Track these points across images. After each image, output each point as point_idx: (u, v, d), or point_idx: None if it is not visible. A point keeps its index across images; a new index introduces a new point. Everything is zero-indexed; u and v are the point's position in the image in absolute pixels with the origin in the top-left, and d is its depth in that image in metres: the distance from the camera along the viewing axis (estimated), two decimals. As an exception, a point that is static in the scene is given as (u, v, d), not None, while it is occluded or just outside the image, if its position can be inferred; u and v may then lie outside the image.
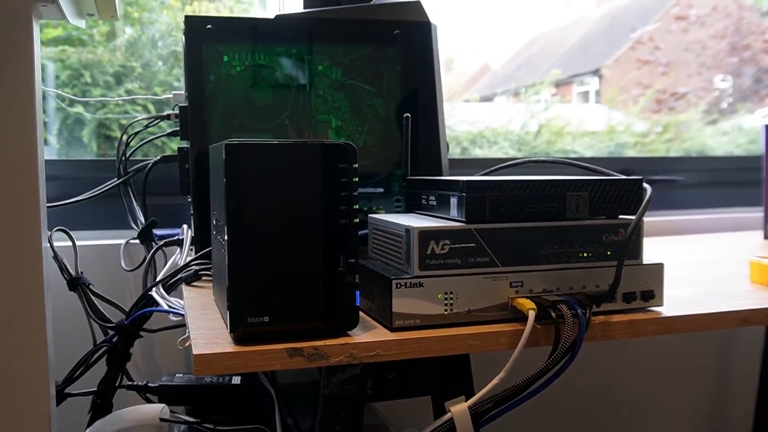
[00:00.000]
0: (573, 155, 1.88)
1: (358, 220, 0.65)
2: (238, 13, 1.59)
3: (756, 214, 1.60)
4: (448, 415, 0.66)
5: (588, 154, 1.89)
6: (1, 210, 0.78)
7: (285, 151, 0.63)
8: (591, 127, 2.02)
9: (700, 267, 1.05)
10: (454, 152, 1.77)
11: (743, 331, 1.62)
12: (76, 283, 0.99)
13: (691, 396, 1.60)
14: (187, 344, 0.68)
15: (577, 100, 2.43)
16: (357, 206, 0.65)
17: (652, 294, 0.73)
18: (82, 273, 1.01)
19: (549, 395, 1.48)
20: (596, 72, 2.44)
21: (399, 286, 0.66)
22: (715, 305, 0.76)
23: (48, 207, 0.90)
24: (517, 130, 1.92)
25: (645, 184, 0.73)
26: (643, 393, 1.56)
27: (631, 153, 1.91)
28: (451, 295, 0.68)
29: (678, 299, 0.79)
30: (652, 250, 1.23)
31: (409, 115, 0.86)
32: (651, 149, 1.96)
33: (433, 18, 1.02)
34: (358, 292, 0.65)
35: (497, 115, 1.98)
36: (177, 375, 0.98)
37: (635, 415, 1.56)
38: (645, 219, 0.71)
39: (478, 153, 1.83)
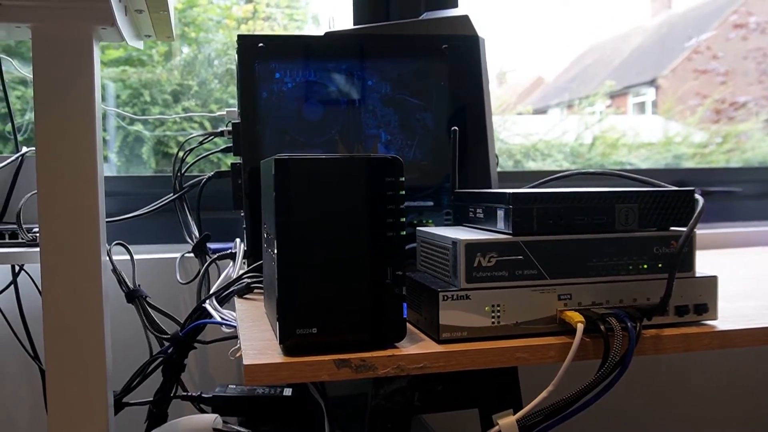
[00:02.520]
0: (628, 167, 1.85)
1: (405, 232, 0.65)
2: (291, 31, 1.62)
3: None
4: (496, 428, 0.66)
5: (644, 166, 1.85)
6: (63, 225, 0.81)
7: (333, 166, 0.64)
8: (647, 138, 1.98)
9: (759, 280, 1.02)
10: (507, 165, 1.76)
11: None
12: (133, 296, 1.02)
13: (745, 417, 1.55)
14: (237, 355, 0.69)
15: (633, 111, 2.39)
16: (404, 219, 0.65)
17: (705, 307, 0.72)
18: (139, 285, 1.05)
19: (600, 412, 1.46)
20: (653, 82, 2.39)
21: (446, 298, 0.67)
22: (772, 319, 0.74)
23: (107, 222, 0.93)
24: (570, 142, 1.90)
25: (697, 195, 0.72)
26: (697, 413, 1.52)
27: (689, 164, 1.87)
28: (499, 308, 0.68)
29: (734, 313, 0.77)
30: (708, 263, 1.20)
31: (456, 128, 0.86)
32: (710, 160, 1.92)
33: (481, 32, 1.02)
34: (405, 305, 0.65)
35: (551, 127, 1.96)
36: (230, 386, 1.00)
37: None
38: (701, 231, 0.70)
39: (531, 166, 1.82)
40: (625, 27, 2.42)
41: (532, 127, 1.94)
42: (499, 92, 2.03)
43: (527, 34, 1.88)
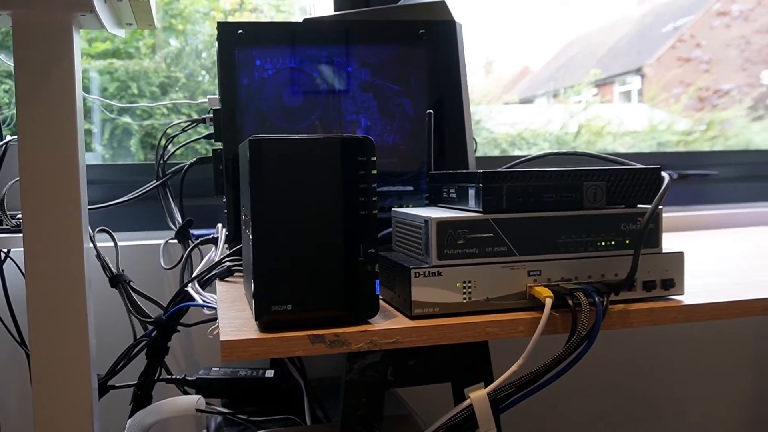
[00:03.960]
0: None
1: (377, 211, 0.67)
2: (277, 23, 1.63)
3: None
4: (467, 402, 0.68)
5: (629, 152, 1.87)
6: (45, 212, 0.82)
7: (306, 146, 0.65)
8: (633, 126, 2.00)
9: (729, 259, 1.04)
10: (493, 154, 1.78)
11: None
12: (117, 281, 1.03)
13: (726, 396, 1.58)
14: (216, 332, 0.71)
15: (620, 99, 2.40)
16: (376, 198, 0.67)
17: (672, 282, 0.73)
18: (123, 271, 1.06)
19: (579, 392, 1.48)
20: (638, 71, 2.41)
21: (418, 275, 0.68)
22: (739, 293, 0.75)
23: (90, 209, 0.94)
24: (556, 131, 1.92)
25: (663, 173, 0.74)
26: (678, 392, 1.54)
27: (673, 151, 1.89)
28: (470, 284, 0.69)
29: (702, 289, 0.79)
30: (684, 244, 1.22)
31: (431, 111, 0.88)
32: (694, 147, 1.93)
33: (466, 20, 1.03)
34: (377, 281, 0.67)
35: (537, 116, 1.97)
36: (213, 368, 1.02)
37: (670, 414, 1.54)
38: (678, 213, 0.71)
39: (517, 154, 1.83)
40: (611, 16, 2.44)
41: (518, 117, 1.96)
42: (485, 82, 2.05)
43: (514, 24, 1.90)
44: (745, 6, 2.11)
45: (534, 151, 1.83)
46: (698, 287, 0.80)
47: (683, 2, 2.41)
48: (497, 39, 1.88)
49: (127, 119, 1.48)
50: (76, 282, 0.84)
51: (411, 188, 1.01)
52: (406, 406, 1.01)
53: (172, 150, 1.16)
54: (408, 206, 1.00)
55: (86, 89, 1.45)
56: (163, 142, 1.15)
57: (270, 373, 0.99)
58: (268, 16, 1.66)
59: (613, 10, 2.32)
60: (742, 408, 1.59)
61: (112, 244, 1.07)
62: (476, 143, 1.11)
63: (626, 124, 1.99)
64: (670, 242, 0.76)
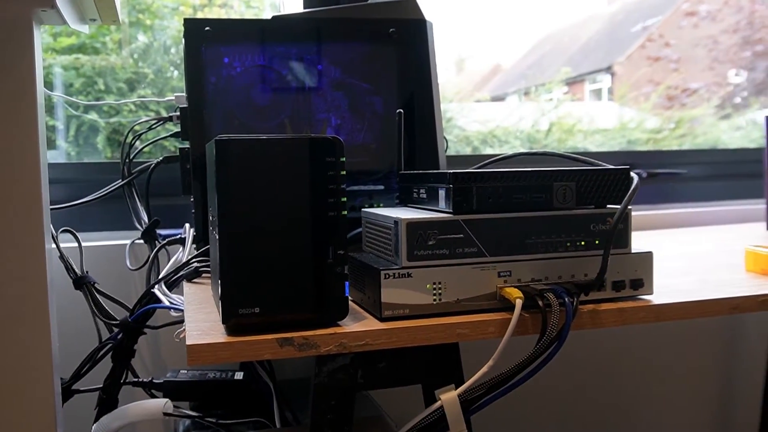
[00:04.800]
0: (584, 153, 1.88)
1: (346, 212, 0.66)
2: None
3: (760, 206, 1.59)
4: (438, 404, 0.67)
5: (599, 151, 1.88)
6: (4, 212, 0.80)
7: (273, 146, 0.64)
8: (603, 124, 2.01)
9: (697, 258, 1.05)
10: (465, 152, 1.78)
11: (750, 328, 1.61)
12: (81, 282, 1.01)
13: (696, 395, 1.60)
14: (182, 336, 0.70)
15: (590, 97, 2.42)
16: (345, 199, 0.66)
17: (641, 282, 0.74)
18: (87, 272, 1.04)
19: (550, 394, 1.48)
20: (609, 69, 2.43)
21: (387, 276, 0.67)
22: (707, 293, 0.76)
23: (52, 209, 0.92)
24: (527, 128, 1.92)
25: (632, 173, 0.74)
26: (648, 392, 1.56)
27: (643, 150, 1.90)
28: (440, 285, 0.69)
29: (671, 288, 0.79)
30: (653, 242, 1.23)
31: (401, 111, 0.87)
32: (663, 145, 1.95)
33: (434, 15, 1.02)
34: (347, 283, 0.66)
35: (508, 114, 1.98)
36: (182, 371, 1.00)
37: (640, 414, 1.56)
38: (648, 212, 0.72)
39: (489, 152, 1.84)
40: (582, 14, 2.45)
41: (490, 114, 1.96)
42: (457, 80, 2.05)
43: (486, 21, 1.90)
44: (712, 6, 2.14)
45: (506, 149, 1.83)
46: (667, 287, 0.81)
47: (652, 1, 2.44)
48: (469, 36, 1.88)
49: (93, 115, 1.45)
50: (38, 284, 0.82)
51: (382, 187, 1.00)
52: (377, 407, 1.00)
53: (139, 148, 1.14)
54: (379, 205, 1.00)
55: (51, 85, 1.42)
56: (129, 139, 1.12)
57: (239, 375, 0.98)
58: (237, 11, 1.64)
59: (583, 8, 2.33)
60: (711, 407, 1.61)
61: (76, 244, 1.05)
62: (447, 142, 1.10)
63: (597, 122, 2.00)
64: (639, 241, 0.76)
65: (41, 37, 0.87)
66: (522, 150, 1.83)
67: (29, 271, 0.81)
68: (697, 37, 2.13)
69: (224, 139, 0.63)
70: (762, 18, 2.14)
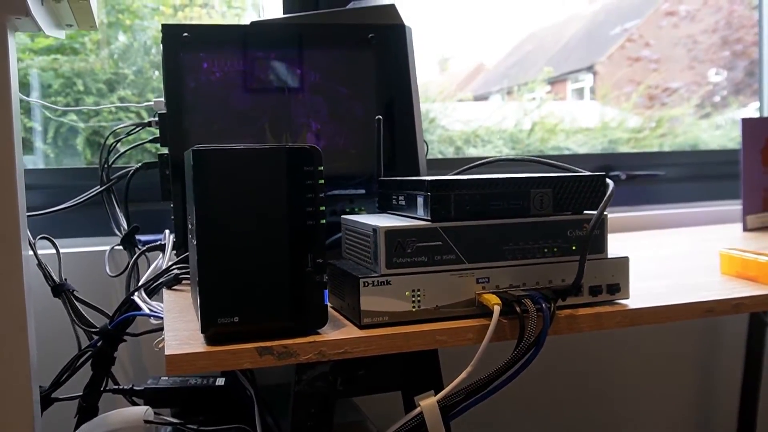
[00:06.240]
0: (566, 152, 1.89)
1: (324, 221, 0.66)
2: (230, 19, 1.60)
3: (737, 207, 1.61)
4: (417, 410, 0.67)
5: (581, 150, 1.89)
6: (-19, 219, 0.80)
7: (251, 156, 0.64)
8: (585, 123, 2.02)
9: (674, 260, 1.06)
10: (448, 152, 1.78)
11: (727, 327, 1.62)
12: (60, 290, 1.01)
13: (674, 392, 1.61)
14: (161, 345, 0.69)
15: (573, 97, 2.43)
16: (323, 208, 0.66)
17: (618, 287, 0.74)
18: (65, 279, 1.03)
19: (529, 398, 1.49)
20: (590, 69, 2.44)
21: (367, 284, 0.68)
22: (682, 297, 0.77)
23: (29, 216, 0.91)
24: (510, 128, 1.93)
25: (608, 180, 0.74)
26: (627, 391, 1.57)
27: (624, 149, 1.92)
28: (419, 293, 0.69)
29: (647, 292, 0.80)
30: (628, 245, 1.23)
31: (380, 117, 0.87)
32: (644, 144, 1.97)
33: (417, 14, 1.03)
34: (326, 291, 0.66)
35: (491, 113, 1.98)
36: (162, 378, 1.00)
37: (621, 413, 1.57)
38: (625, 214, 0.72)
39: (472, 152, 1.84)
40: (564, 14, 2.46)
41: (472, 114, 1.96)
42: (440, 79, 2.05)
43: (468, 20, 1.90)
44: (691, 6, 2.15)
45: (489, 149, 1.84)
46: (643, 290, 0.81)
47: (633, 1, 2.45)
48: (452, 36, 1.89)
49: (72, 117, 1.44)
50: (16, 291, 0.81)
51: (363, 191, 1.01)
52: (360, 412, 1.00)
53: (119, 153, 1.14)
54: (360, 209, 1.00)
55: (28, 86, 1.41)
56: (109, 142, 1.12)
57: (221, 381, 0.98)
58: (219, 12, 1.63)
59: (565, 8, 2.34)
60: (688, 408, 1.63)
61: (54, 251, 1.04)
62: (427, 146, 1.11)
63: (579, 121, 2.01)
64: (618, 243, 0.77)
65: (16, 40, 0.86)
66: (505, 150, 1.84)
67: (6, 279, 0.81)
68: (677, 36, 2.15)
69: (201, 150, 0.63)
70: (740, 18, 2.16)
